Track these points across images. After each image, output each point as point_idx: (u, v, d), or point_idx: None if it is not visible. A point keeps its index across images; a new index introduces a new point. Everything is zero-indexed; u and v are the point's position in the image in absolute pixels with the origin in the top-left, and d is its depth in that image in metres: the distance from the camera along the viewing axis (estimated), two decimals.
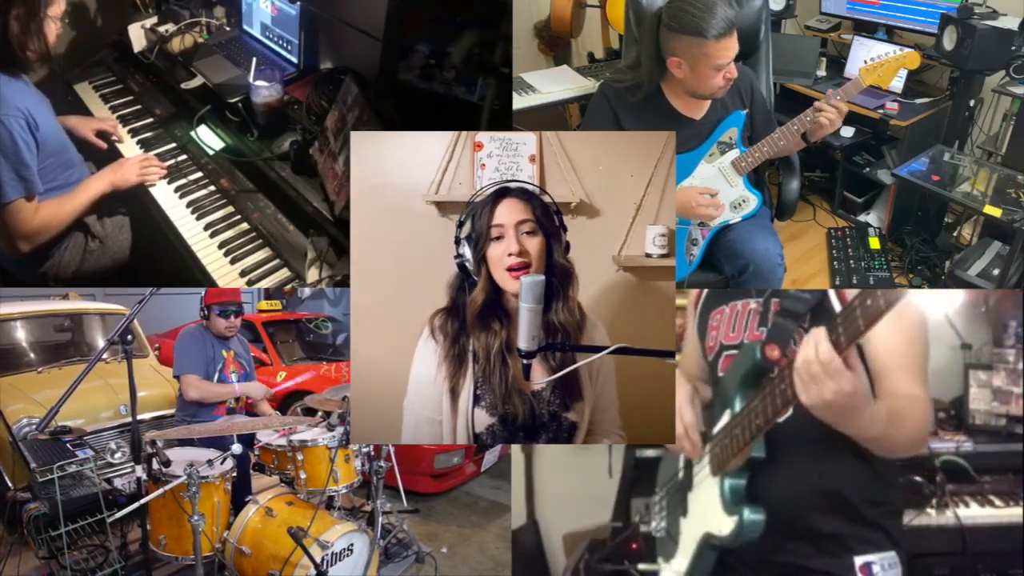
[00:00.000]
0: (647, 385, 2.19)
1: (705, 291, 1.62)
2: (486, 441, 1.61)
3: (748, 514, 1.27)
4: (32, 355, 3.40)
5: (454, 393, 1.58)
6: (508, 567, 2.81)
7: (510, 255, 1.53)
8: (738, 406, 1.32)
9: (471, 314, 1.57)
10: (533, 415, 1.58)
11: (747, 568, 1.37)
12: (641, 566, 1.63)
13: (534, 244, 1.55)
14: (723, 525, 1.31)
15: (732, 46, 2.07)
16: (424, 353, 1.62)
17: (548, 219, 1.59)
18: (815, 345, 1.11)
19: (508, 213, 1.55)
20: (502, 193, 1.58)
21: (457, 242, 1.59)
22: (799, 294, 1.34)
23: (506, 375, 1.55)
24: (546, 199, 1.64)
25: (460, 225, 1.60)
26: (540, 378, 1.57)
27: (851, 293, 1.30)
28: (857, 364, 1.12)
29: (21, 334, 3.46)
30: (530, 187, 1.62)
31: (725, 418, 1.35)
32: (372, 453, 2.57)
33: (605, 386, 1.70)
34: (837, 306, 1.31)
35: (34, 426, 2.66)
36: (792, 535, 1.32)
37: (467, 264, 1.57)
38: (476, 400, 1.57)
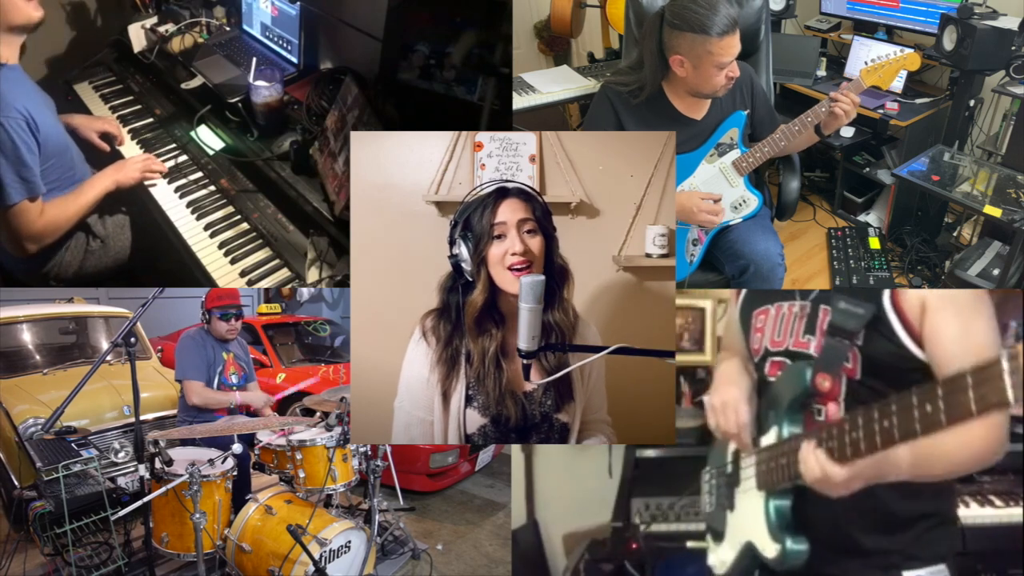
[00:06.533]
0: (647, 385, 2.20)
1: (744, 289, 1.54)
2: (478, 441, 1.59)
3: (791, 544, 1.24)
4: (38, 357, 3.42)
5: (446, 396, 1.55)
6: (502, 564, 2.82)
7: (513, 254, 1.50)
8: (786, 430, 1.26)
9: (470, 317, 1.53)
10: (525, 416, 1.57)
11: None
12: (690, 544, 1.59)
13: (535, 244, 1.53)
14: (767, 547, 1.27)
15: (735, 44, 2.07)
16: (416, 355, 1.60)
17: (547, 220, 1.58)
18: (816, 465, 1.09)
19: (511, 212, 1.52)
20: (503, 193, 1.55)
21: (452, 242, 1.56)
22: (849, 306, 1.22)
23: (500, 379, 1.53)
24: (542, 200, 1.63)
25: (455, 224, 1.56)
26: (536, 378, 1.54)
27: (909, 299, 1.19)
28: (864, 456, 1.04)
29: (27, 337, 3.48)
30: (528, 188, 1.61)
31: (772, 435, 1.29)
32: (369, 452, 2.58)
33: (596, 386, 1.68)
34: (894, 319, 1.20)
35: (40, 426, 2.67)
36: (838, 552, 1.28)
37: (463, 264, 1.54)
38: (468, 401, 1.54)
